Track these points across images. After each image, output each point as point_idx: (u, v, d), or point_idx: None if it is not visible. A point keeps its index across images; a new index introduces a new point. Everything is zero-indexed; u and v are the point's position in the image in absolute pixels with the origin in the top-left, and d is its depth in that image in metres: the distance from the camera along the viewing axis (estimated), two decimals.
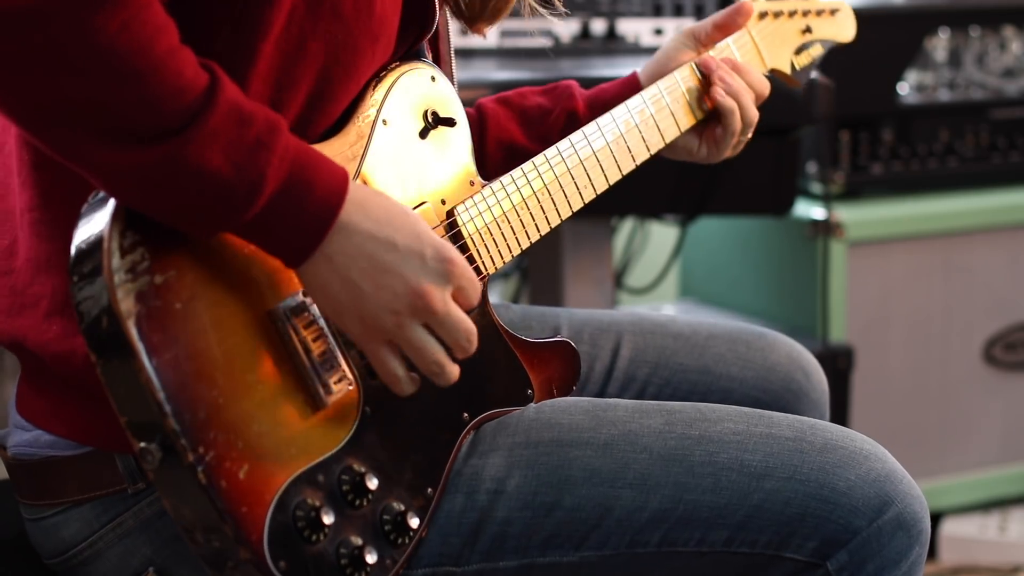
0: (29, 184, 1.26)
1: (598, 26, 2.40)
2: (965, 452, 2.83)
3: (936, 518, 2.81)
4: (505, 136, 1.56)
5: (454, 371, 1.23)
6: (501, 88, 1.63)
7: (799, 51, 1.68)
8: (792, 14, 1.67)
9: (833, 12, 1.73)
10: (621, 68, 2.34)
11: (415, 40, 1.36)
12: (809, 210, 2.68)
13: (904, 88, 2.76)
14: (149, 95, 1.09)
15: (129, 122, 1.09)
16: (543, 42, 2.40)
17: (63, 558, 1.31)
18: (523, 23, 2.38)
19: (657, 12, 2.43)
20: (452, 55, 1.48)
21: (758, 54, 1.62)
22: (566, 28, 2.40)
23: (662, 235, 3.03)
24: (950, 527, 2.82)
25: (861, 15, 2.61)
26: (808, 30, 1.69)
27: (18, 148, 1.28)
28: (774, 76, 1.65)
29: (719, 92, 1.54)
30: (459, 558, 1.30)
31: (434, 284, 1.19)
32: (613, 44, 2.40)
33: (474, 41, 2.37)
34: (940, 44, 2.79)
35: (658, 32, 2.41)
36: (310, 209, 1.16)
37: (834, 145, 2.70)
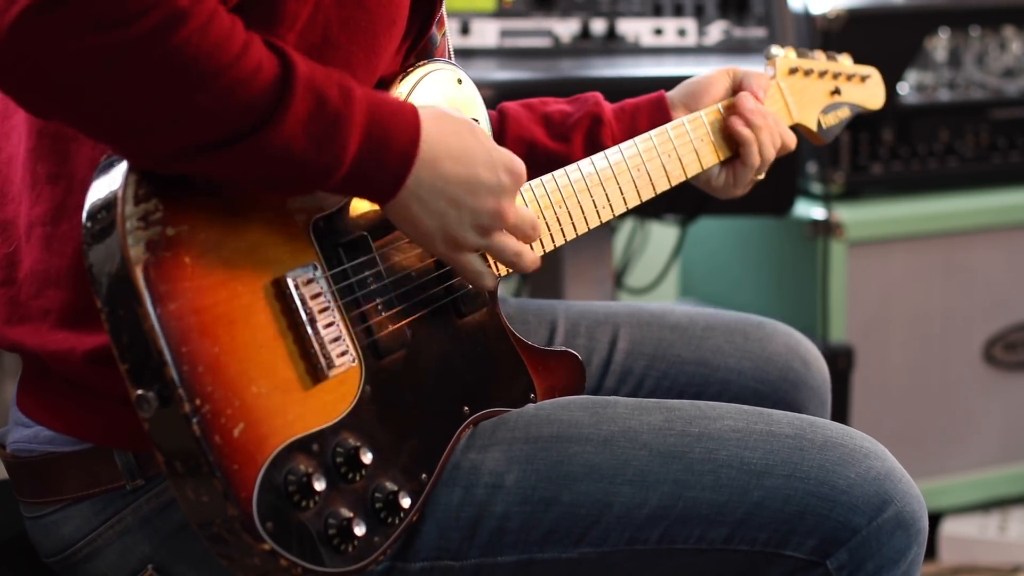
0: (44, 198, 1.27)
1: (598, 26, 2.40)
2: (965, 452, 2.82)
3: (936, 518, 2.80)
4: (526, 135, 1.58)
5: (529, 256, 1.33)
6: (501, 88, 1.64)
7: (827, 111, 1.71)
8: (822, 75, 1.71)
9: (863, 79, 1.77)
10: (621, 68, 2.35)
11: (422, 23, 1.37)
12: (809, 210, 2.68)
13: (904, 88, 2.76)
14: (233, 97, 1.12)
15: (218, 127, 1.12)
16: (543, 42, 2.40)
17: (62, 556, 1.31)
18: (523, 23, 2.38)
19: (657, 12, 2.43)
20: (451, 53, 1.49)
21: (785, 107, 1.66)
22: (566, 28, 2.40)
23: (662, 235, 3.03)
24: (950, 527, 2.82)
25: (861, 15, 2.63)
26: (837, 92, 1.73)
27: (31, 161, 1.29)
28: (799, 131, 1.68)
29: (738, 123, 1.58)
30: (457, 552, 1.30)
31: (508, 200, 1.28)
32: (613, 44, 2.40)
33: (474, 41, 2.37)
34: (940, 44, 2.79)
35: (658, 32, 2.41)
36: (390, 159, 1.21)
37: (834, 145, 2.69)
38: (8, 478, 1.36)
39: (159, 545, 1.28)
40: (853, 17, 2.61)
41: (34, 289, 1.27)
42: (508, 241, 1.31)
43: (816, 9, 2.61)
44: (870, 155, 2.74)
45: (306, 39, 1.25)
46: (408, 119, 1.22)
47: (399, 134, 1.21)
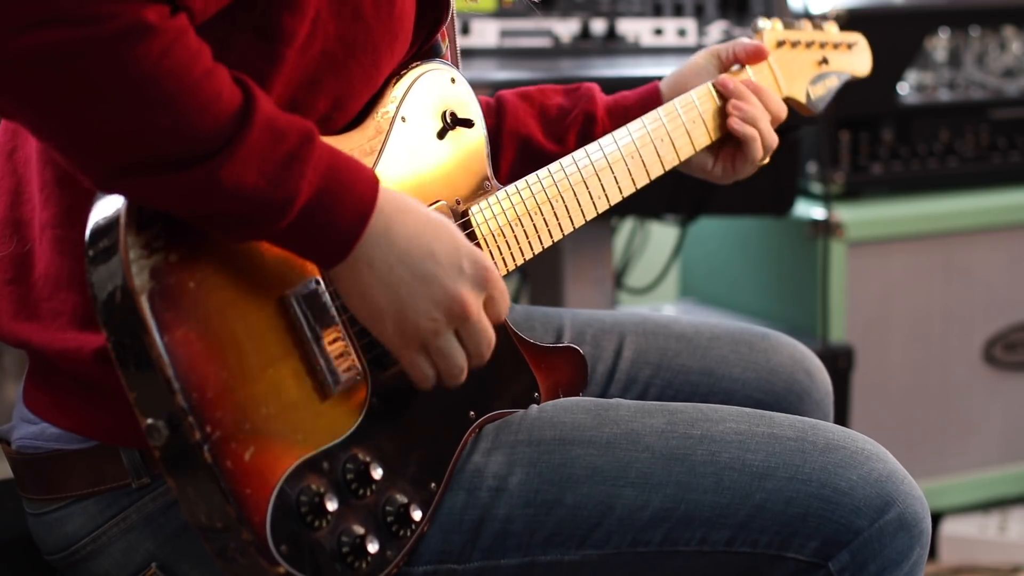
0: (52, 201, 1.27)
1: (598, 26, 2.40)
2: (965, 452, 2.83)
3: (936, 518, 2.81)
4: (523, 130, 1.57)
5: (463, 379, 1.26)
6: (501, 88, 1.63)
7: (815, 81, 1.70)
8: (809, 45, 1.70)
9: (850, 46, 1.76)
10: (621, 68, 2.35)
11: (429, 32, 1.37)
12: (809, 210, 2.69)
13: (904, 88, 2.76)
14: (189, 121, 1.10)
15: (169, 149, 1.10)
16: (543, 42, 2.40)
17: (66, 553, 1.31)
18: (523, 23, 2.38)
19: (657, 12, 2.43)
20: (458, 53, 1.49)
21: (775, 81, 1.64)
22: (566, 28, 2.40)
23: (662, 235, 3.03)
24: (950, 527, 2.82)
25: (861, 15, 2.63)
26: (824, 61, 1.71)
27: (40, 164, 1.29)
28: (789, 104, 1.67)
29: (736, 121, 1.56)
30: (461, 555, 1.30)
31: (472, 291, 1.22)
32: (613, 44, 2.40)
33: (474, 41, 2.37)
34: (940, 44, 2.79)
35: (658, 32, 2.41)
36: (343, 216, 1.17)
37: (834, 145, 2.70)
38: (10, 477, 1.36)
39: (163, 543, 1.28)
40: (853, 17, 2.61)
41: (47, 292, 1.27)
42: (458, 351, 1.23)
43: (816, 9, 2.61)
44: (870, 155, 2.74)
45: (305, 54, 1.24)
46: (367, 183, 1.18)
47: (356, 193, 1.17)
